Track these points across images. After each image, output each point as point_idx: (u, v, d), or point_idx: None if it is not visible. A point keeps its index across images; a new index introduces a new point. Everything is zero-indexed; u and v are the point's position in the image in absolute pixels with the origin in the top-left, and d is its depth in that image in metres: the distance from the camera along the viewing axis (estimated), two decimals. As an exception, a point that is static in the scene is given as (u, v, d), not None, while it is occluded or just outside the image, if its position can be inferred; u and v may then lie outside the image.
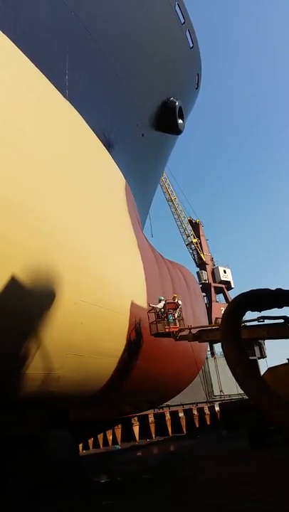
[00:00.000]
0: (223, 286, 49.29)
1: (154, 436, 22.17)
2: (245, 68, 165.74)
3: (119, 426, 21.59)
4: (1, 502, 8.11)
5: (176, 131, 18.20)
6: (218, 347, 37.01)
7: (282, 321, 8.12)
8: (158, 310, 13.35)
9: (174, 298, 14.15)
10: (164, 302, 13.50)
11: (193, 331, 12.99)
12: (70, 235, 9.11)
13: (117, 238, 12.54)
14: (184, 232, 51.72)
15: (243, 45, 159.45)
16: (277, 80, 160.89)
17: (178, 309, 13.61)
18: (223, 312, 4.14)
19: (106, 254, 11.02)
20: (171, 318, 13.06)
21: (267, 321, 8.66)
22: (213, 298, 47.40)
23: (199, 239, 51.20)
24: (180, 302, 13.98)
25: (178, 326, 13.23)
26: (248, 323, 9.90)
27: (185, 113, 18.61)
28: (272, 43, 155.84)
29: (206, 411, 25.30)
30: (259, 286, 3.98)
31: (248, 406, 12.10)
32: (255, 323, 9.14)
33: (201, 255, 50.10)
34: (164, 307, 13.35)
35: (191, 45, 17.74)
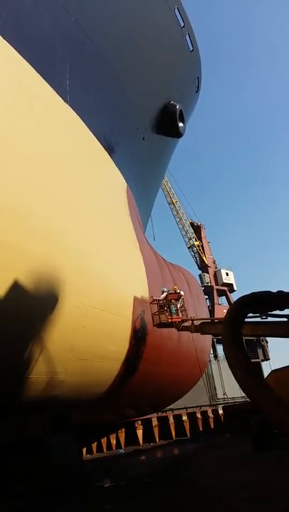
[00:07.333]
0: (226, 288, 49.12)
1: (157, 439, 22.14)
2: (244, 69, 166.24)
3: (123, 430, 21.57)
4: (2, 507, 8.09)
5: (177, 134, 18.24)
6: (220, 350, 36.90)
7: (285, 319, 8.13)
8: (160, 301, 13.36)
9: (174, 289, 14.12)
10: (166, 293, 13.52)
11: (196, 324, 13.00)
12: (72, 239, 9.13)
13: (119, 241, 12.55)
14: (186, 234, 51.66)
15: (243, 46, 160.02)
16: (277, 82, 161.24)
17: (180, 300, 13.60)
18: (225, 314, 4.13)
19: (108, 257, 11.03)
20: (173, 308, 13.08)
21: (270, 319, 8.66)
22: (215, 300, 47.24)
23: (201, 241, 51.10)
24: (182, 293, 13.96)
25: (180, 316, 13.24)
26: (250, 320, 9.83)
27: (186, 116, 18.66)
28: (271, 44, 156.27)
29: (210, 414, 25.26)
30: (261, 289, 3.97)
31: (251, 409, 12.03)
32: (258, 319, 9.14)
33: (203, 258, 50.01)
34: (166, 298, 13.36)
35: (191, 48, 17.80)
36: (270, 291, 3.90)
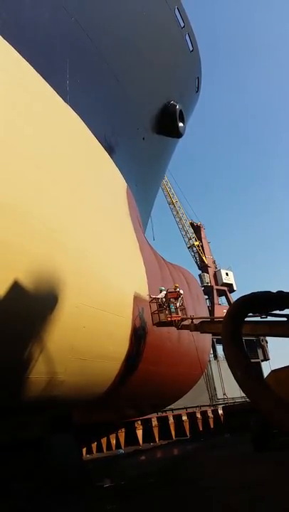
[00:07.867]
0: (226, 288, 49.14)
1: (157, 440, 22.09)
2: (245, 70, 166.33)
3: (123, 430, 21.53)
4: (3, 507, 8.08)
5: (177, 134, 18.26)
6: (220, 350, 36.87)
7: (285, 319, 8.15)
8: (160, 300, 13.33)
9: (175, 288, 14.08)
10: (165, 292, 13.49)
11: (196, 323, 12.98)
12: (72, 239, 9.14)
13: (119, 241, 12.55)
14: (186, 235, 51.66)
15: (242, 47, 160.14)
16: (277, 81, 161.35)
17: (179, 298, 13.56)
18: (224, 314, 4.14)
19: (107, 257, 11.03)
20: (172, 307, 13.05)
21: (270, 318, 8.68)
22: (215, 300, 47.25)
23: (201, 242, 51.11)
24: (181, 291, 13.93)
25: (180, 315, 13.22)
26: (250, 319, 9.80)
27: (185, 116, 18.67)
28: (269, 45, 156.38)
29: (210, 414, 25.20)
30: (261, 289, 3.99)
31: (251, 409, 12.03)
32: (258, 319, 9.15)
33: (203, 258, 50.02)
34: (165, 296, 13.34)
35: (191, 48, 17.83)
36: (270, 291, 3.91)
